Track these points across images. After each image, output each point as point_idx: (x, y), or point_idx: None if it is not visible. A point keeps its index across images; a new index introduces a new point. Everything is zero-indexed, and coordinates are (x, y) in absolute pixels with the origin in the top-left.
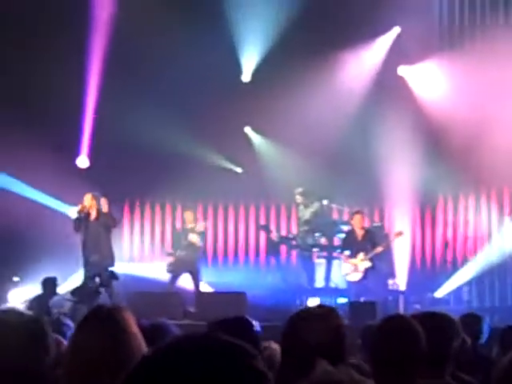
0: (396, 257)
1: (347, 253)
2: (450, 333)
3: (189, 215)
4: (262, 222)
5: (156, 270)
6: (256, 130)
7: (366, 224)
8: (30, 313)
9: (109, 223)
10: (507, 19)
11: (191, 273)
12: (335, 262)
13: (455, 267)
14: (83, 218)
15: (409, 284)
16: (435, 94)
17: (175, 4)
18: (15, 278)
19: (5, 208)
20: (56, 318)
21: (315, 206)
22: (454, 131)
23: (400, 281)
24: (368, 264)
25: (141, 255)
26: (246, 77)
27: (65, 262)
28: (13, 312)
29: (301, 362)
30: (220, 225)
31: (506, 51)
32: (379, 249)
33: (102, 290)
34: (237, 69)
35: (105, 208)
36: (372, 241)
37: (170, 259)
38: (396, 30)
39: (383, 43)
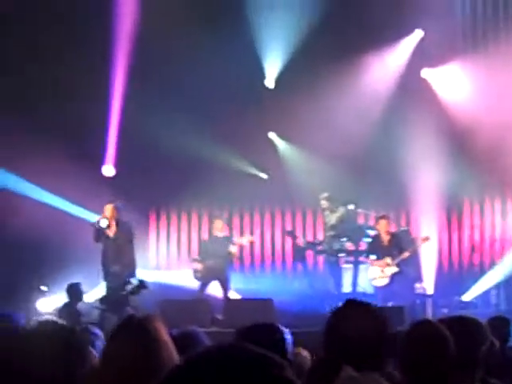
0: (423, 261)
1: (373, 257)
2: (479, 337)
3: (218, 223)
4: (288, 227)
5: (183, 277)
6: (280, 135)
7: (392, 228)
8: (65, 323)
9: (130, 234)
10: None
11: (220, 280)
12: (362, 267)
13: (482, 270)
14: (103, 229)
15: (436, 288)
16: (459, 96)
17: (198, 10)
18: (43, 288)
19: (31, 216)
20: (84, 327)
21: (341, 210)
22: (478, 134)
23: (427, 285)
24: (395, 269)
25: (167, 263)
26: (269, 82)
27: (92, 270)
28: (50, 323)
29: (334, 361)
30: (246, 231)
31: None
32: (406, 254)
33: (132, 298)
34: (260, 74)
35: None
36: (398, 246)
37: (197, 266)
38: (419, 33)
39: (406, 46)
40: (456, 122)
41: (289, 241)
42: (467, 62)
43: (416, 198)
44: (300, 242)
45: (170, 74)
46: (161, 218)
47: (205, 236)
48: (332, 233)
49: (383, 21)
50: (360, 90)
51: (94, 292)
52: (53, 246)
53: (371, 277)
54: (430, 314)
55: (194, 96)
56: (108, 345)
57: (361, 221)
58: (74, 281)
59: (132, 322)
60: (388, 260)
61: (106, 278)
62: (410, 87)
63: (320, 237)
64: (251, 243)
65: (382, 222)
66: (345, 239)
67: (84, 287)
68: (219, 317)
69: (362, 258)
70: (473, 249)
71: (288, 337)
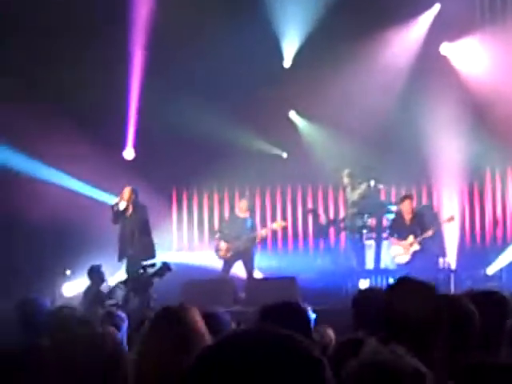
0: (446, 236)
1: (395, 236)
2: (504, 310)
3: (243, 204)
4: (310, 205)
5: (206, 258)
6: (300, 113)
7: (414, 204)
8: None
9: (146, 216)
10: None
11: (244, 261)
12: (384, 244)
13: (505, 243)
14: (120, 212)
15: (459, 262)
16: (478, 69)
17: None
18: (67, 272)
19: (53, 202)
20: (108, 310)
21: (362, 187)
22: (498, 105)
23: (450, 259)
24: (417, 247)
25: (190, 244)
26: (287, 62)
27: (114, 253)
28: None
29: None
30: (268, 210)
31: None
32: (429, 233)
33: (155, 280)
34: (278, 54)
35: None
36: (421, 224)
37: (222, 246)
38: (437, 7)
39: (425, 20)
40: (476, 95)
41: (311, 219)
42: (486, 34)
43: (437, 172)
44: (322, 219)
45: (188, 57)
46: (182, 200)
47: (226, 215)
48: (354, 210)
49: None
50: (379, 66)
51: (117, 274)
52: (75, 230)
53: (393, 254)
54: (453, 288)
55: (212, 77)
56: (145, 336)
57: (383, 197)
58: (95, 263)
59: (169, 314)
60: (411, 239)
61: (121, 259)
62: (430, 61)
63: (342, 214)
64: (283, 228)
65: (407, 203)
66: (367, 215)
67: (107, 270)
68: (242, 296)
69: (384, 235)
70: (495, 221)
71: (311, 314)
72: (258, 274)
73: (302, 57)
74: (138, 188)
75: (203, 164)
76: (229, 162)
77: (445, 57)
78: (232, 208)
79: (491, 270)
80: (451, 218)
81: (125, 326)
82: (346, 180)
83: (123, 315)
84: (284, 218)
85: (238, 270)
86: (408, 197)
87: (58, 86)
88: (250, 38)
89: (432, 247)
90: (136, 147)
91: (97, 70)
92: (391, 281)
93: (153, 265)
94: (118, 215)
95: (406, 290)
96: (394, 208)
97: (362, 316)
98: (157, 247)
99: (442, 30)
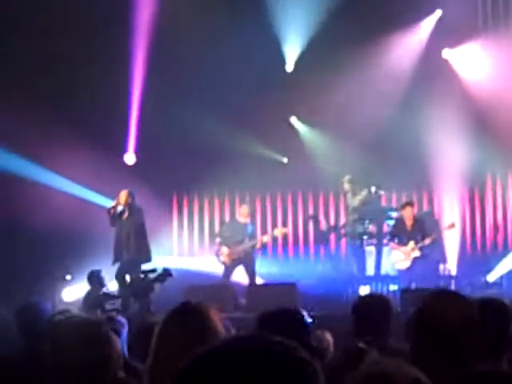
0: (446, 242)
1: (396, 241)
2: (507, 317)
3: (244, 209)
4: (311, 211)
5: (207, 263)
6: (301, 119)
7: (415, 211)
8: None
9: (142, 220)
10: None
11: (246, 266)
12: (385, 250)
13: (506, 249)
14: (117, 215)
15: (460, 268)
16: (480, 74)
17: None
18: (67, 277)
19: (55, 206)
20: (108, 315)
21: (363, 193)
22: (499, 111)
23: (451, 266)
24: (417, 253)
25: (190, 249)
26: (289, 66)
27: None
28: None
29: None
30: (268, 216)
31: None
32: (429, 240)
33: (156, 285)
34: (280, 59)
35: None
36: (422, 230)
37: (223, 251)
38: (438, 13)
39: (427, 26)
40: (477, 100)
41: (311, 225)
42: (488, 40)
43: (438, 178)
44: (322, 225)
45: (189, 61)
46: (183, 205)
47: (227, 220)
48: (355, 216)
49: (403, 2)
50: (381, 72)
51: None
52: (77, 235)
53: (394, 260)
54: None
55: (213, 81)
56: (160, 333)
57: (383, 203)
58: (95, 268)
59: (185, 310)
60: (411, 244)
61: (115, 262)
62: (431, 67)
63: (343, 220)
64: (285, 235)
65: (408, 209)
66: (368, 222)
67: (107, 275)
68: (243, 302)
69: (385, 241)
70: (496, 227)
71: (309, 320)
72: (258, 280)
73: (304, 62)
74: (136, 192)
75: (204, 169)
76: (229, 167)
77: (446, 62)
78: (233, 213)
79: (492, 277)
80: (452, 225)
81: (125, 331)
82: (346, 186)
83: (123, 320)
84: (284, 224)
85: (239, 275)
86: (409, 203)
87: (57, 89)
88: (251, 42)
89: (433, 254)
90: (137, 152)
91: (98, 74)
92: (392, 287)
93: (154, 270)
94: (114, 218)
95: (442, 300)
96: (394, 214)
97: (362, 322)
98: (158, 252)
99: (443, 36)
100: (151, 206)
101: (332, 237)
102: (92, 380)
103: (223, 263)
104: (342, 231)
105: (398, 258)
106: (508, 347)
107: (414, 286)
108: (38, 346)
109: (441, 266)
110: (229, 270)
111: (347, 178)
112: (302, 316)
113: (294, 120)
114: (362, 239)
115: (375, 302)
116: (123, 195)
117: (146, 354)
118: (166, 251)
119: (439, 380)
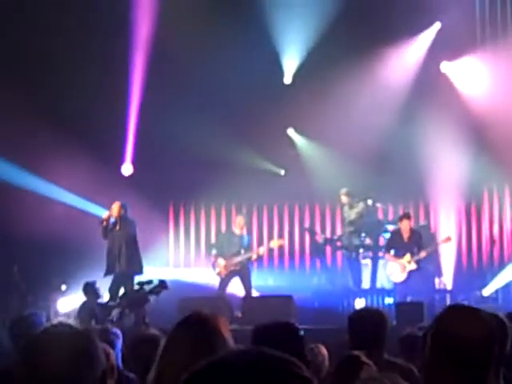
0: (442, 256)
1: (392, 252)
2: (503, 333)
3: (240, 220)
4: (307, 223)
5: (202, 275)
6: (298, 131)
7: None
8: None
9: (134, 231)
10: None
11: (242, 278)
12: (381, 262)
13: (502, 263)
14: (110, 227)
15: (456, 282)
16: (478, 88)
17: (215, 7)
18: (63, 287)
19: (51, 216)
20: (103, 327)
21: (360, 206)
22: (497, 124)
23: (447, 279)
24: (413, 266)
25: (186, 260)
26: (287, 79)
27: None
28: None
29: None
30: (265, 227)
31: None
32: (425, 253)
33: (151, 297)
34: (278, 70)
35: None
36: (418, 243)
37: (219, 262)
38: (437, 26)
39: (425, 39)
40: (475, 114)
41: (307, 237)
42: (486, 53)
43: (435, 192)
44: (319, 238)
45: (187, 72)
46: (179, 216)
47: (223, 230)
48: (351, 228)
49: (401, 14)
50: (378, 85)
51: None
52: (73, 245)
53: (389, 272)
54: None
55: (211, 93)
56: (169, 339)
57: (380, 216)
58: (90, 280)
59: (194, 319)
60: (408, 257)
61: (107, 274)
62: (430, 80)
63: (339, 232)
64: (281, 246)
65: (405, 222)
66: (364, 234)
67: (102, 286)
68: (239, 314)
69: (381, 254)
70: (493, 241)
71: (302, 333)
72: (254, 293)
73: (302, 74)
74: (131, 203)
75: (201, 180)
76: (226, 178)
77: (445, 75)
78: (229, 225)
79: (487, 291)
80: (448, 239)
81: (119, 342)
82: (343, 198)
83: (118, 332)
84: (281, 236)
85: (235, 287)
86: (407, 215)
87: (57, 100)
88: (250, 53)
89: (428, 267)
90: (134, 163)
91: (96, 85)
92: (387, 301)
93: (150, 281)
94: (106, 230)
95: (459, 315)
96: (391, 227)
97: (357, 335)
98: (154, 263)
99: (442, 49)
100: (148, 216)
101: (328, 249)
102: None
103: (219, 275)
104: (338, 243)
105: (393, 270)
106: (503, 363)
107: (409, 299)
108: None
109: (436, 280)
110: (225, 281)
111: (344, 190)
112: (297, 329)
113: (291, 132)
114: (358, 252)
115: (371, 315)
116: (115, 207)
117: (141, 365)
118: (162, 262)
119: None
